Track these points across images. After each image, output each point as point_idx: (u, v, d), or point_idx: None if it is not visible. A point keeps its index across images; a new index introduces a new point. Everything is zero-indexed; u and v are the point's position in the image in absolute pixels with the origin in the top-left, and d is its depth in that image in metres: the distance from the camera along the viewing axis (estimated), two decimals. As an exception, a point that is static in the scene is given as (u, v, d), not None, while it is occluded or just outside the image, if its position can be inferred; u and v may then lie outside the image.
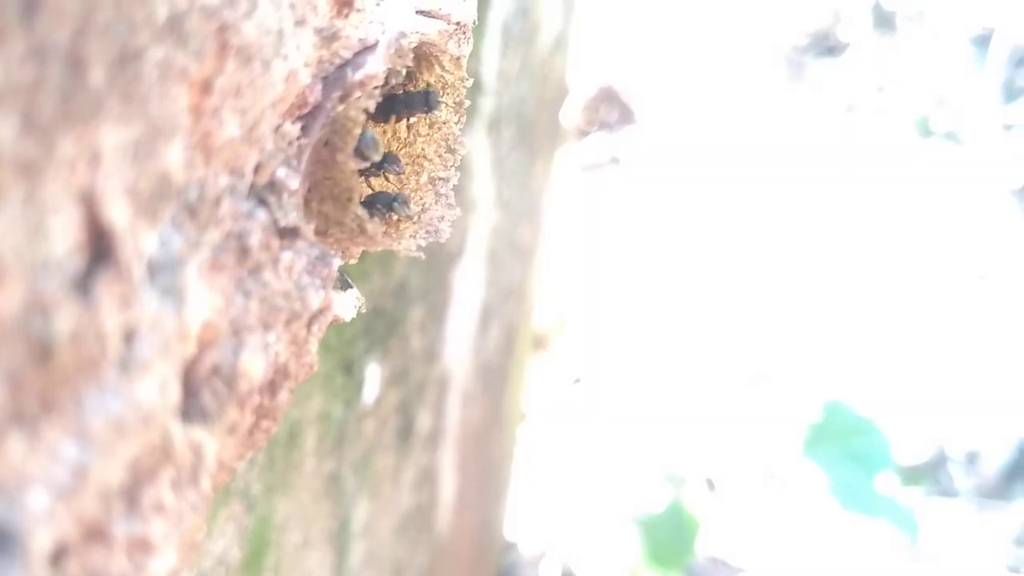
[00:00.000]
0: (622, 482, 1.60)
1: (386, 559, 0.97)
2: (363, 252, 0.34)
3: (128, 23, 0.17)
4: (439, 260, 0.92)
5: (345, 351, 0.74)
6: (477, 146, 0.96)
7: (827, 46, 2.51)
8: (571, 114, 2.27)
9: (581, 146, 2.29)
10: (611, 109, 2.29)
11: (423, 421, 0.99)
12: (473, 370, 1.13)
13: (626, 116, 2.30)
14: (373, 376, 0.83)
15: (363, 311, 0.33)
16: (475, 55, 0.90)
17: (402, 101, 0.31)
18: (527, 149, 1.17)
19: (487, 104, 0.96)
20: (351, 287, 0.32)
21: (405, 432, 0.95)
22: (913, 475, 1.72)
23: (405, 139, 0.33)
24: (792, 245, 2.09)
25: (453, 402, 1.08)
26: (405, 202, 0.32)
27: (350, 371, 0.76)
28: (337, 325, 0.76)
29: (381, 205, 0.32)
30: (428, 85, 0.31)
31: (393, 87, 0.32)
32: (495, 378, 1.26)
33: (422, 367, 0.95)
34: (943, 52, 2.47)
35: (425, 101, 0.31)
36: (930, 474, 1.72)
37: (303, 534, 0.72)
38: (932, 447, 1.74)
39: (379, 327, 0.80)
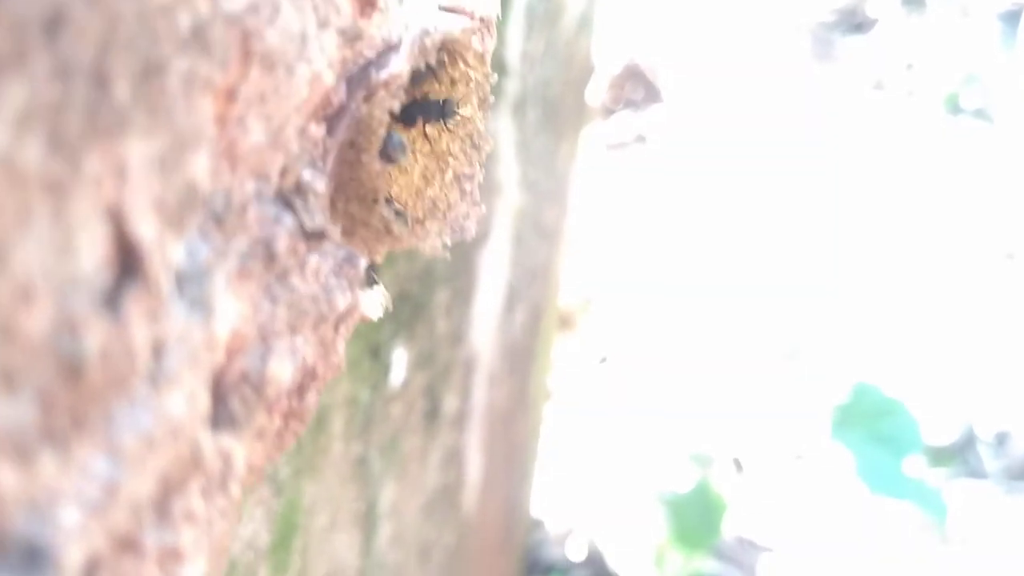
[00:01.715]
0: (649, 461, 1.60)
1: (413, 539, 0.98)
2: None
3: (151, 35, 0.17)
4: (464, 244, 0.92)
5: (372, 336, 0.74)
6: (502, 129, 0.96)
7: (855, 22, 2.48)
8: (597, 92, 2.25)
9: (607, 124, 2.28)
10: (637, 87, 2.28)
11: (449, 403, 1.00)
12: (499, 351, 1.13)
13: (652, 94, 2.28)
14: (400, 360, 0.83)
15: (389, 297, 0.33)
16: (499, 37, 0.89)
17: (420, 108, 0.31)
18: (552, 130, 1.17)
19: (512, 86, 0.96)
20: (377, 283, 0.32)
21: (432, 414, 0.96)
22: (941, 456, 1.71)
23: (431, 136, 0.33)
24: (819, 224, 2.07)
25: (479, 383, 1.08)
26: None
27: (377, 355, 0.77)
28: (363, 311, 0.76)
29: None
30: (452, 82, 0.31)
31: (418, 80, 0.32)
32: (521, 359, 1.26)
33: (448, 350, 0.95)
34: (972, 29, 2.44)
35: (440, 111, 0.31)
36: (959, 455, 1.70)
37: (330, 517, 0.73)
38: (961, 428, 1.73)
39: (405, 311, 0.80)
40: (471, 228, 0.32)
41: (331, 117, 0.27)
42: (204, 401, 0.20)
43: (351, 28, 0.26)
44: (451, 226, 0.31)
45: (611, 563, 1.55)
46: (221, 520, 0.21)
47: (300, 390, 0.25)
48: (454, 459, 1.06)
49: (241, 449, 0.22)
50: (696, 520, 1.43)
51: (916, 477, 1.32)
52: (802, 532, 1.58)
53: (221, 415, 0.21)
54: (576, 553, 1.56)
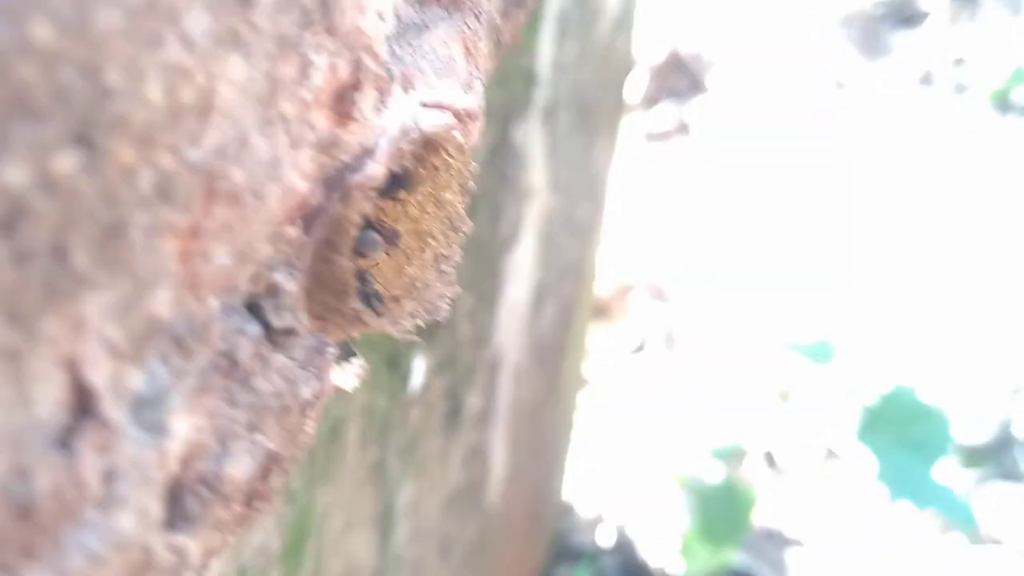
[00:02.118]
0: (680, 451, 1.61)
1: (433, 534, 1.00)
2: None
3: (112, 203, 0.20)
4: (490, 249, 0.94)
5: (389, 347, 0.76)
6: (532, 137, 0.98)
7: (904, 16, 2.44)
8: (639, 83, 2.25)
9: (649, 114, 2.28)
10: (680, 77, 2.27)
11: (472, 403, 1.01)
12: (526, 348, 1.14)
13: (696, 84, 2.27)
14: (419, 367, 0.85)
15: (368, 366, 0.35)
16: (529, 50, 0.91)
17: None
18: (587, 131, 1.17)
19: (542, 95, 0.97)
20: (354, 355, 0.34)
21: (453, 415, 0.97)
22: (975, 457, 1.70)
23: (413, 216, 0.35)
24: (860, 219, 2.06)
25: (504, 382, 1.09)
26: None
27: (395, 365, 0.79)
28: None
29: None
30: (435, 169, 0.33)
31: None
32: (550, 354, 1.28)
33: (471, 352, 0.97)
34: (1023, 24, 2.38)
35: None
36: (993, 456, 1.69)
37: (345, 519, 0.76)
38: (996, 429, 1.72)
39: (425, 321, 0.82)
40: (444, 309, 0.34)
41: (308, 217, 0.29)
42: (156, 511, 0.23)
43: (327, 137, 0.28)
44: (425, 306, 0.33)
45: (640, 551, 1.57)
46: (174, 606, 0.24)
47: (264, 473, 0.27)
48: (477, 456, 1.07)
49: (196, 543, 0.24)
50: (722, 516, 1.44)
51: (944, 485, 1.31)
52: (832, 527, 1.58)
53: (176, 516, 0.24)
54: (606, 540, 1.58)
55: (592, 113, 1.17)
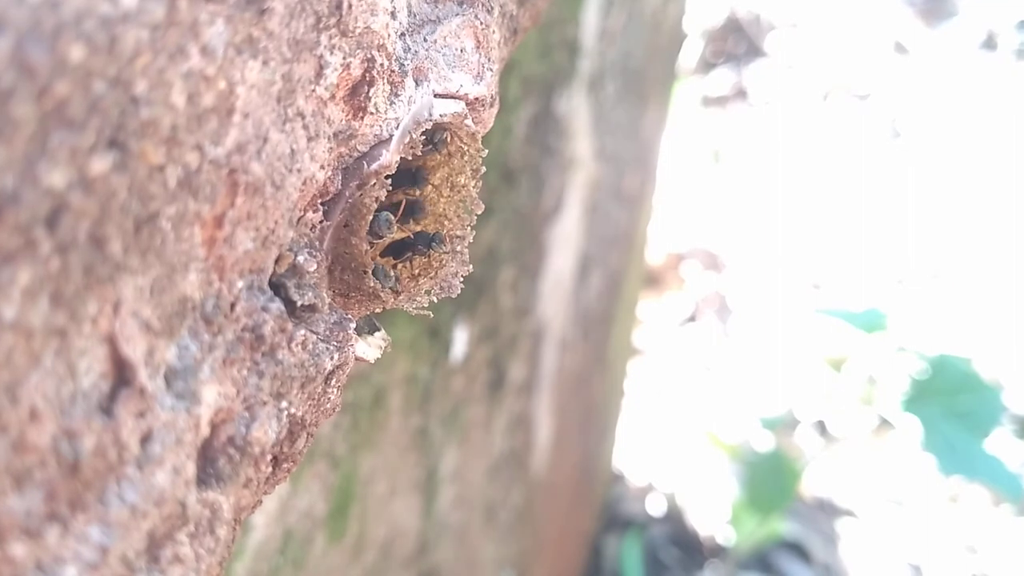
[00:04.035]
0: (731, 421, 1.62)
1: (478, 500, 1.03)
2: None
3: (143, 197, 0.22)
4: (531, 222, 0.96)
5: (430, 317, 0.79)
6: (576, 107, 0.99)
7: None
8: (695, 47, 2.24)
9: (706, 79, 2.27)
10: (738, 41, 2.25)
11: (516, 372, 1.03)
12: (571, 319, 1.16)
13: (754, 48, 2.26)
14: (461, 337, 0.87)
15: (390, 339, 0.38)
16: (573, 21, 0.93)
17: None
18: (636, 99, 1.18)
19: (586, 66, 0.98)
20: (378, 329, 0.37)
21: (496, 383, 0.99)
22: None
23: (431, 200, 0.37)
24: (919, 186, 2.03)
25: (549, 351, 1.11)
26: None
27: (436, 335, 0.81)
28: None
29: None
30: (449, 155, 0.36)
31: (424, 154, 0.37)
32: (597, 324, 1.29)
33: (514, 323, 0.99)
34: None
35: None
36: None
37: (389, 484, 0.78)
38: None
39: (466, 292, 0.84)
40: (457, 285, 0.36)
41: (328, 202, 0.31)
42: (189, 469, 0.26)
43: (345, 130, 0.30)
44: (440, 284, 0.36)
45: (690, 520, 1.58)
46: (209, 556, 0.26)
47: (291, 437, 0.30)
48: (521, 424, 1.10)
49: (227, 499, 0.27)
50: (768, 485, 1.44)
51: (993, 456, 1.30)
52: (884, 497, 1.58)
53: (208, 474, 0.27)
54: (656, 509, 1.59)
55: (642, 81, 1.17)
